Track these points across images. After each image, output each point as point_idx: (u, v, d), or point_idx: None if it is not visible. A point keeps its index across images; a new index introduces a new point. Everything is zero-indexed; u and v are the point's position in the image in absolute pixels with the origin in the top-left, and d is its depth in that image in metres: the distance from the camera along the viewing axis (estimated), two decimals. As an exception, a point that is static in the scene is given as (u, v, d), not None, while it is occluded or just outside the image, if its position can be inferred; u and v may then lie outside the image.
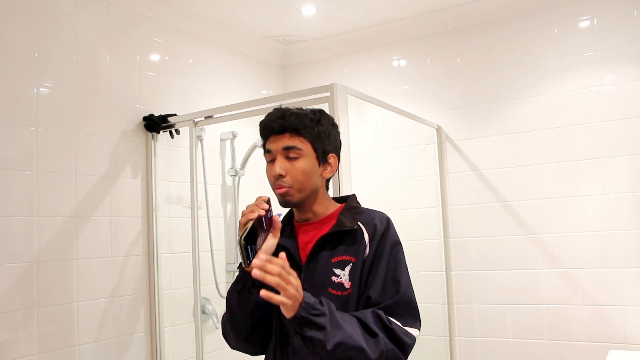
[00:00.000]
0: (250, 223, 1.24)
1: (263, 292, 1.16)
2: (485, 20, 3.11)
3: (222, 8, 3.01)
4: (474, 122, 3.12)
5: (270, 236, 1.34)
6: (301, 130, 1.37)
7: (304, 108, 1.44)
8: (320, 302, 1.23)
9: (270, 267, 1.16)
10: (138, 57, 2.72)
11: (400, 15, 3.24)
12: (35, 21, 2.28)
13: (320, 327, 1.19)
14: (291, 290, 1.17)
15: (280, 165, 1.36)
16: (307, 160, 1.38)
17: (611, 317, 2.74)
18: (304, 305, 1.19)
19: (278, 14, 3.12)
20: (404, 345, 1.29)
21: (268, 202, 1.32)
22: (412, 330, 1.32)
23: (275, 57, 3.68)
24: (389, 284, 1.34)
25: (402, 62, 3.36)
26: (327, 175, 1.45)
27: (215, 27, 3.18)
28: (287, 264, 1.19)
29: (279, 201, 1.40)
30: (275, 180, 1.38)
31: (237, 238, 1.22)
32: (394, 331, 1.28)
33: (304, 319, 1.18)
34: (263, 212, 1.28)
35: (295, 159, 1.37)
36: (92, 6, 2.52)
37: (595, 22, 2.84)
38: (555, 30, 2.93)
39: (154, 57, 2.81)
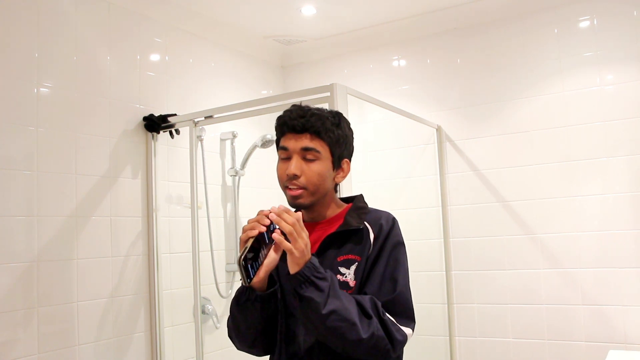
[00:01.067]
0: (251, 241, 1.21)
1: (275, 235, 1.22)
2: (485, 20, 3.11)
3: (222, 8, 3.01)
4: (474, 122, 3.12)
5: (271, 251, 1.29)
6: (322, 133, 1.36)
7: (321, 108, 1.43)
8: (325, 271, 1.26)
9: (286, 216, 1.23)
10: (138, 57, 2.72)
11: (400, 15, 3.23)
12: (35, 21, 2.28)
13: (320, 289, 1.22)
14: (301, 243, 1.22)
15: (296, 165, 1.35)
16: (323, 163, 1.37)
17: (611, 317, 2.74)
18: (308, 265, 1.23)
19: (278, 14, 3.12)
20: (395, 340, 1.29)
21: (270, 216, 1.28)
22: (405, 329, 1.32)
23: (275, 57, 3.68)
24: (387, 282, 1.34)
25: (402, 62, 3.36)
26: (338, 180, 1.45)
27: (215, 27, 3.18)
28: (301, 220, 1.25)
29: (290, 202, 1.39)
30: (288, 179, 1.36)
31: (237, 256, 1.19)
32: (386, 322, 1.29)
33: (307, 277, 1.22)
34: (264, 229, 1.24)
35: (312, 160, 1.36)
36: (92, 6, 2.52)
37: (595, 22, 2.84)
38: (555, 30, 2.93)
39: (154, 57, 2.81)
